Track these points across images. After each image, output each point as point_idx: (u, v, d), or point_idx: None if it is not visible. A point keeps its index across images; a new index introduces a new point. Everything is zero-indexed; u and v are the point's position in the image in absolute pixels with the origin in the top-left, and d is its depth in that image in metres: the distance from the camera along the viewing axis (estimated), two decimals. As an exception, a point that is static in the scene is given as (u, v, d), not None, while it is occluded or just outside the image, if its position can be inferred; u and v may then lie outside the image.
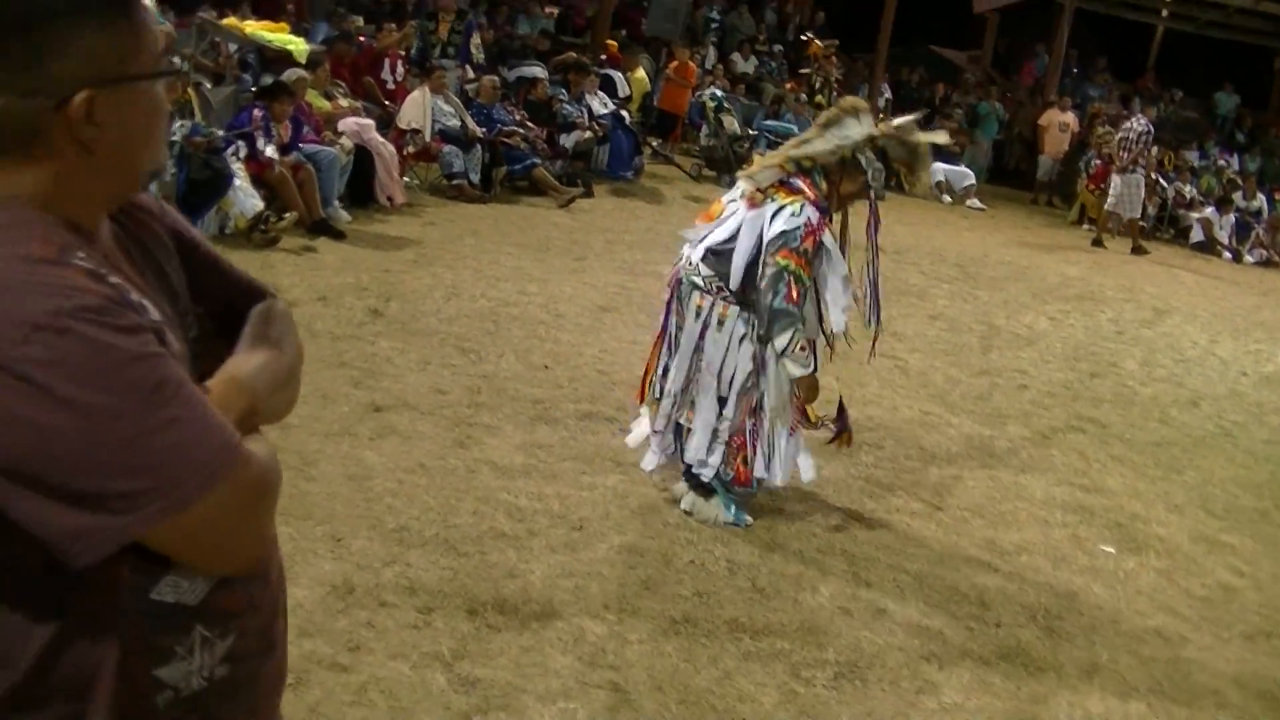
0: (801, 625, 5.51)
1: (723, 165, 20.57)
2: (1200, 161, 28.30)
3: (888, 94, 29.04)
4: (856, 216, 6.76)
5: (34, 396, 1.56)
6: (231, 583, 1.91)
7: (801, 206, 6.24)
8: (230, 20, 14.64)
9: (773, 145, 20.22)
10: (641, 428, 6.92)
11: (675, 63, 22.47)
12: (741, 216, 6.41)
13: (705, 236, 6.58)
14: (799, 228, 6.20)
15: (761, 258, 6.23)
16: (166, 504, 1.64)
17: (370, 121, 14.44)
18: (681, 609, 5.47)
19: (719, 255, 6.42)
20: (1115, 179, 21.59)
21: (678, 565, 5.91)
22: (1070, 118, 27.19)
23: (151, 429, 1.62)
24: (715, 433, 6.48)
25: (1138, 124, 21.55)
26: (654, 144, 21.48)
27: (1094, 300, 15.69)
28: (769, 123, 21.66)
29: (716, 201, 6.81)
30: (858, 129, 6.47)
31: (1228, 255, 23.74)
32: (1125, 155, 21.29)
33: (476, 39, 20.43)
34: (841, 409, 6.99)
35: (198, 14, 15.06)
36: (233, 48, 14.62)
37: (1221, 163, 28.62)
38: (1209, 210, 24.89)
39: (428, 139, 15.29)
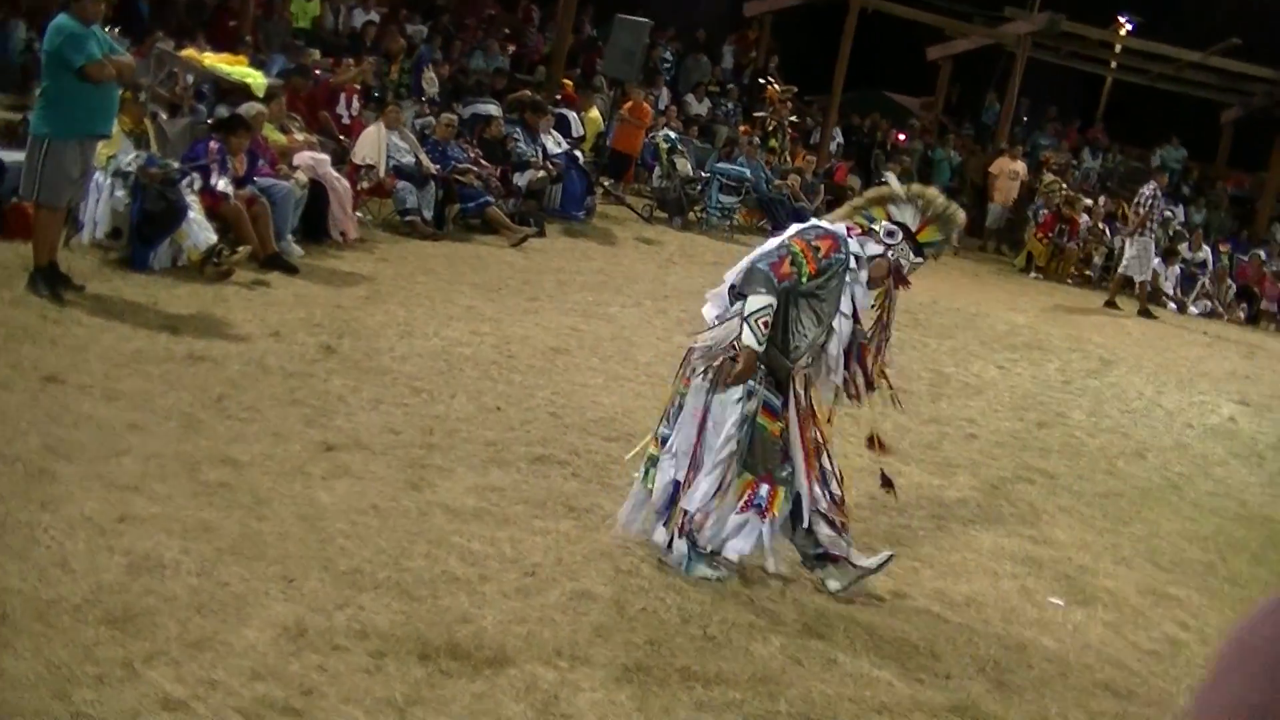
0: (754, 675, 5.51)
1: (674, 207, 20.67)
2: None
3: (839, 138, 29.24)
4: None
5: None
6: None
7: (835, 225, 6.44)
8: (189, 52, 14.60)
9: (725, 188, 20.37)
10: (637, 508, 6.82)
11: (630, 103, 22.50)
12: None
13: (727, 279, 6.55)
14: (820, 228, 6.40)
15: None
16: None
17: (325, 156, 14.45)
18: (634, 657, 5.47)
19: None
20: (1126, 243, 21.81)
21: (630, 613, 5.91)
22: (1020, 166, 27.40)
23: None
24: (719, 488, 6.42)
25: (1147, 188, 21.81)
26: (606, 184, 21.51)
27: (1041, 349, 15.80)
28: (722, 165, 21.73)
29: None
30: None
31: (1172, 306, 23.96)
32: (1134, 218, 21.56)
33: (429, 74, 20.49)
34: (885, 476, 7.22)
35: (156, 45, 15.00)
36: (189, 79, 14.58)
37: (1168, 214, 28.88)
38: (1154, 262, 25.11)
39: (382, 175, 15.31)
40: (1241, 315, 24.60)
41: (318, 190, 13.70)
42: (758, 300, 6.17)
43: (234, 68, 14.02)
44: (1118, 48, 33.35)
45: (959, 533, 8.12)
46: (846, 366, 6.65)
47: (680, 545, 6.50)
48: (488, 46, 24.75)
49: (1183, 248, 25.42)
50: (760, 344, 6.19)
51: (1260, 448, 12.62)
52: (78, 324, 9.21)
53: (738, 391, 6.33)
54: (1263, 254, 26.15)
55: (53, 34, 9.76)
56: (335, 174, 14.18)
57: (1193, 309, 23.67)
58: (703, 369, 6.40)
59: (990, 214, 27.45)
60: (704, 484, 6.40)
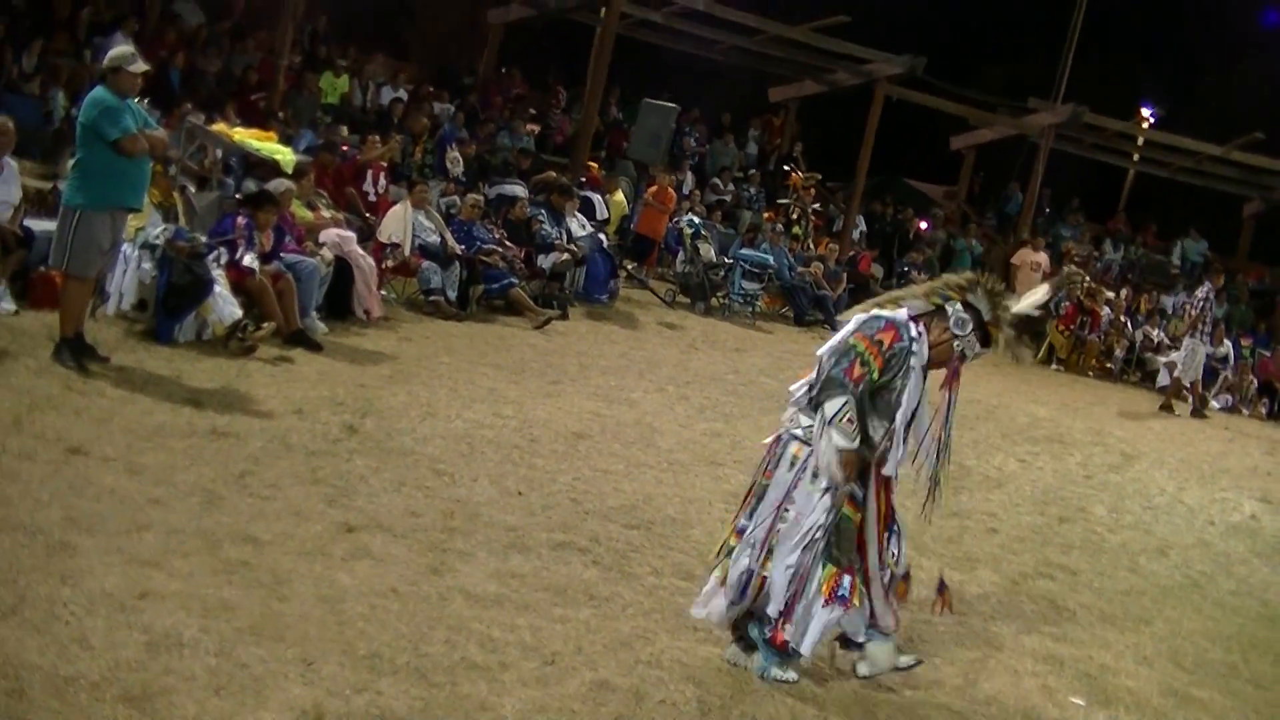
0: (773, 771, 5.47)
1: (697, 292, 20.68)
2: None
3: (862, 226, 29.31)
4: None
5: None
6: None
7: (895, 312, 6.47)
8: (219, 126, 14.68)
9: (748, 275, 20.39)
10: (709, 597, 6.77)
11: (655, 187, 22.58)
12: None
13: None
14: (881, 319, 6.41)
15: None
16: None
17: (351, 234, 14.48)
18: (653, 750, 5.43)
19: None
20: (1185, 342, 21.79)
21: (649, 704, 5.87)
22: (1043, 257, 27.37)
23: None
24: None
25: (1201, 290, 22.00)
26: (629, 268, 21.56)
27: (1063, 443, 15.75)
28: (745, 251, 21.76)
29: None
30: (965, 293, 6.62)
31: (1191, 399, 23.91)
32: (1188, 319, 21.70)
33: (454, 153, 20.56)
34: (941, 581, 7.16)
35: (185, 117, 15.09)
36: (218, 153, 14.64)
37: (1187, 306, 28.89)
38: (1175, 354, 25.06)
39: (407, 254, 15.34)
40: (1263, 411, 24.50)
41: (343, 267, 13.72)
42: (835, 403, 6.23)
43: (263, 143, 14.10)
44: (1140, 140, 33.51)
45: (980, 629, 8.06)
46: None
47: (765, 651, 6.50)
48: (514, 126, 24.86)
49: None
50: (852, 442, 6.23)
51: (1282, 547, 12.56)
52: (102, 395, 9.22)
53: (824, 480, 6.35)
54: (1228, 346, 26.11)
55: (89, 106, 9.84)
56: (361, 251, 14.20)
57: (1214, 403, 23.59)
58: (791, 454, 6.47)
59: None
60: (778, 577, 6.38)
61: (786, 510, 6.42)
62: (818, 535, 6.36)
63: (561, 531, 8.14)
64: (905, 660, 6.68)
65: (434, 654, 5.90)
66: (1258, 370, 25.77)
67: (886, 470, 6.55)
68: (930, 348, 6.54)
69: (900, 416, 6.44)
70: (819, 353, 6.60)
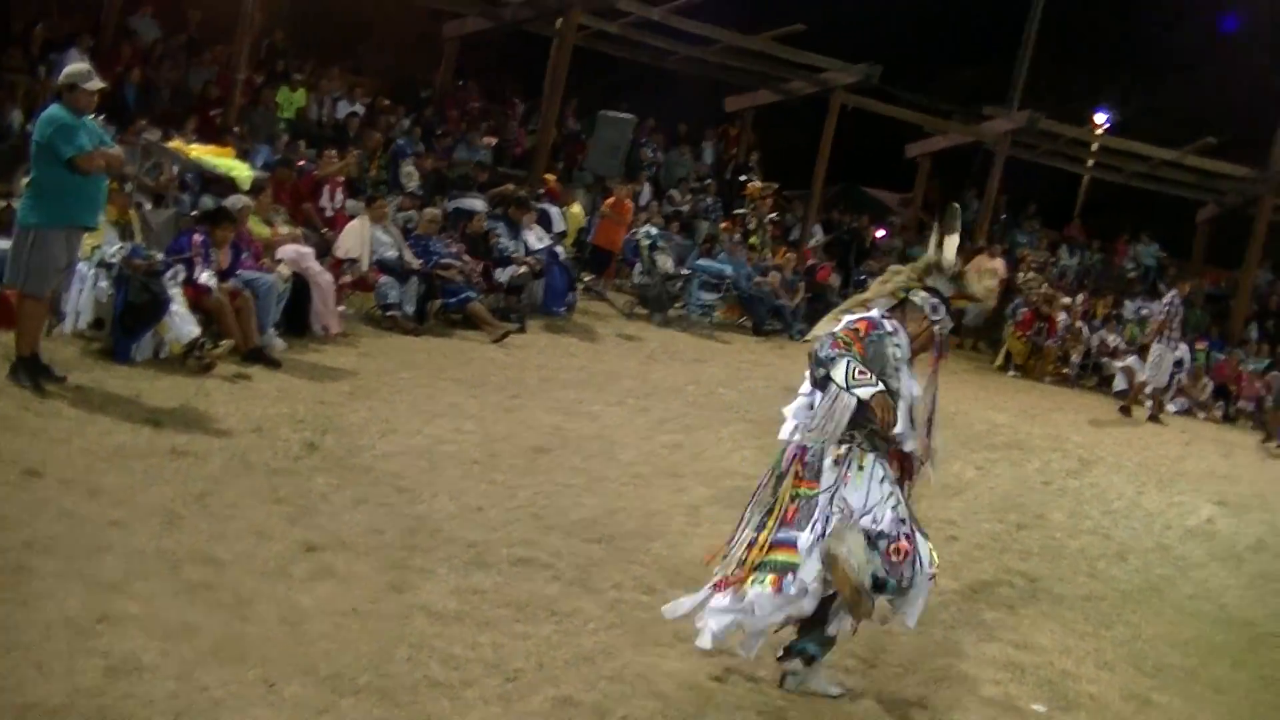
0: (737, 787, 5.48)
1: (655, 304, 20.66)
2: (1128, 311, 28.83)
3: (819, 234, 29.36)
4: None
5: None
6: None
7: (866, 312, 6.71)
8: (175, 142, 14.60)
9: (706, 285, 20.41)
10: (698, 600, 6.81)
11: (612, 199, 22.56)
12: None
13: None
14: (851, 315, 6.67)
15: None
16: None
17: (309, 249, 14.44)
18: (617, 766, 5.43)
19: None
20: (1153, 348, 21.92)
21: (612, 720, 5.88)
22: (999, 264, 27.49)
23: None
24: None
25: (1168, 296, 22.19)
26: (587, 280, 21.54)
27: (1021, 449, 15.82)
28: (703, 262, 21.80)
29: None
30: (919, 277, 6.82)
31: (1149, 404, 24.05)
32: (1154, 326, 21.92)
33: (407, 167, 20.46)
34: None
35: (141, 134, 15.03)
36: (175, 169, 14.59)
37: (1145, 312, 29.05)
38: (1131, 359, 25.22)
39: (365, 269, 15.31)
40: (1219, 414, 24.65)
41: (301, 284, 13.69)
42: (839, 367, 6.35)
43: (220, 159, 14.01)
44: (1094, 146, 33.70)
45: (941, 638, 8.09)
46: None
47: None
48: (471, 139, 24.80)
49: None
50: (876, 385, 6.34)
51: (1239, 549, 12.64)
52: (59, 416, 9.18)
53: (880, 471, 6.49)
54: (1241, 352, 26.27)
55: (44, 124, 9.78)
56: (319, 267, 14.17)
57: (1170, 407, 23.72)
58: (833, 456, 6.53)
59: (968, 312, 27.46)
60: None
61: (838, 509, 6.47)
62: (903, 513, 6.53)
63: (523, 547, 8.13)
64: (834, 690, 6.77)
65: (396, 673, 5.89)
66: (1213, 374, 25.92)
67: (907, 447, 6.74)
68: (912, 339, 6.69)
69: (904, 406, 6.55)
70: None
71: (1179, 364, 24.76)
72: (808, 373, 6.66)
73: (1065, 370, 25.54)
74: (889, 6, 34.85)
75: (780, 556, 6.57)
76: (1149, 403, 22.20)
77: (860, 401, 6.32)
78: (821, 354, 6.43)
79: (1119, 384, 24.44)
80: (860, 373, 6.31)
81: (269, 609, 6.35)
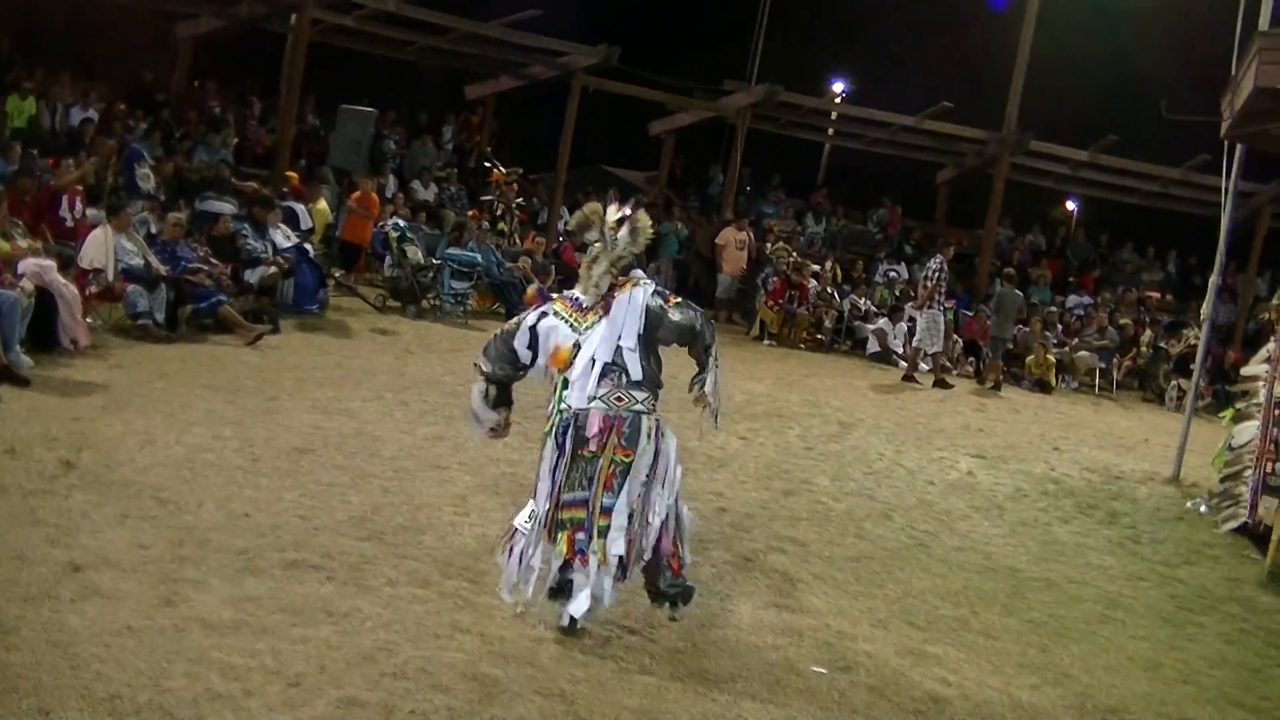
0: (525, 774, 5.53)
1: (407, 296, 20.60)
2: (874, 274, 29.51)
3: (567, 216, 29.49)
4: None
5: None
6: None
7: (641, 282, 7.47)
8: (-100, 161, 14.17)
9: (457, 274, 20.37)
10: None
11: (357, 193, 22.44)
12: (604, 326, 7.33)
13: (593, 366, 7.34)
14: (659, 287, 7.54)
15: (657, 324, 7.44)
16: None
17: (51, 262, 14.02)
18: (406, 764, 5.44)
19: (617, 369, 7.28)
20: (916, 315, 22.34)
21: (399, 717, 5.88)
22: (746, 235, 27.94)
23: None
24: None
25: (934, 262, 22.49)
26: (338, 276, 21.36)
27: (781, 417, 16.11)
28: (452, 251, 21.72)
29: (558, 349, 7.49)
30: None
31: (903, 364, 24.62)
32: (923, 292, 22.12)
33: (143, 169, 20.01)
34: None
35: None
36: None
37: (892, 274, 29.74)
38: (882, 321, 25.83)
39: (111, 279, 14.99)
40: (970, 369, 25.36)
41: (45, 298, 13.31)
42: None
43: (-49, 176, 13.65)
44: (834, 115, 34.37)
45: (717, 609, 8.22)
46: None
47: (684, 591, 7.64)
48: (209, 141, 24.41)
49: (908, 306, 26.11)
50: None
51: (999, 499, 13.09)
52: None
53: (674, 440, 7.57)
54: (986, 309, 27.00)
55: None
56: (63, 280, 13.81)
57: (922, 365, 24.32)
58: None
59: (720, 284, 27.90)
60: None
61: (653, 473, 7.31)
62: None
63: (293, 550, 8.07)
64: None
65: (176, 689, 5.82)
66: (962, 331, 26.67)
67: None
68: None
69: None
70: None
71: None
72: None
73: (819, 336, 26.04)
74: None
75: (605, 522, 7.22)
76: (923, 367, 22.73)
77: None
78: (708, 334, 7.56)
79: (872, 346, 25.05)
80: None
81: (36, 634, 6.20)
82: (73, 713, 5.46)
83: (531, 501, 7.47)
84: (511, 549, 7.44)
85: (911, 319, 24.39)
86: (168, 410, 11.45)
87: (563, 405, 7.37)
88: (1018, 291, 25.63)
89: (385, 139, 28.20)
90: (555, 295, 7.98)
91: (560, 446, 7.33)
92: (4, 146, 19.39)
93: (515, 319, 7.79)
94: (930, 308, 22.03)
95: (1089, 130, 31.48)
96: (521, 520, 7.45)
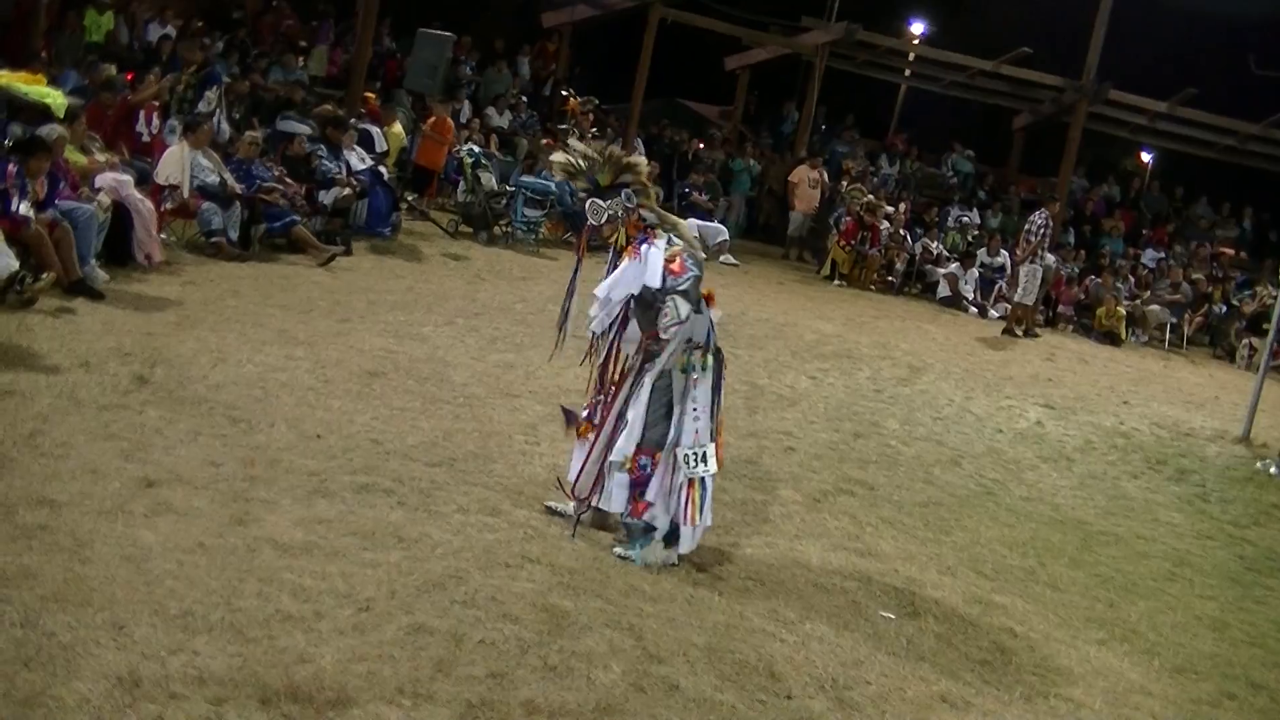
0: (597, 705, 5.48)
1: (479, 222, 20.55)
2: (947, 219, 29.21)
3: (640, 148, 29.35)
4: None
5: None
6: None
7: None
8: (-19, 71, 14.13)
9: (530, 202, 20.30)
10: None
11: (433, 118, 22.37)
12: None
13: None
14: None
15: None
16: None
17: (128, 177, 14.02)
18: (477, 691, 5.39)
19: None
20: (1020, 270, 22.10)
21: (468, 645, 5.83)
22: (820, 174, 27.73)
23: None
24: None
25: (1039, 216, 22.11)
26: (411, 200, 21.34)
27: (851, 358, 15.99)
28: (526, 179, 21.64)
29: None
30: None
31: (973, 310, 24.44)
32: (1026, 246, 21.87)
33: (211, 92, 19.69)
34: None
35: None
36: (-19, 98, 14.11)
37: (965, 219, 29.44)
38: (954, 266, 25.59)
39: (186, 195, 14.97)
40: (1040, 319, 25.12)
41: (121, 213, 13.32)
42: None
43: (32, 87, 13.57)
44: (911, 56, 33.99)
45: (785, 549, 8.16)
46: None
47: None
48: (285, 61, 24.34)
49: (980, 253, 25.90)
50: None
51: (1068, 450, 12.94)
52: (-126, 359, 8.91)
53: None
54: (1053, 259, 26.76)
55: None
56: (139, 195, 13.81)
57: (993, 313, 24.13)
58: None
59: (792, 222, 27.72)
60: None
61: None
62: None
63: (364, 474, 8.05)
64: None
65: (247, 608, 5.79)
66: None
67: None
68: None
69: None
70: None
71: (999, 271, 25.20)
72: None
73: (890, 278, 25.85)
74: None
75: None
76: (1024, 320, 22.48)
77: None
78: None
79: (942, 291, 24.86)
80: None
81: (110, 549, 6.19)
82: (145, 628, 5.43)
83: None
84: (687, 502, 7.38)
85: (1000, 267, 24.30)
86: (240, 329, 11.44)
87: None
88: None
89: (461, 64, 28.06)
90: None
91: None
92: (80, 60, 19.35)
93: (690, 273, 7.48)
94: (1032, 262, 21.71)
95: (1169, 82, 30.89)
96: (704, 469, 7.38)
